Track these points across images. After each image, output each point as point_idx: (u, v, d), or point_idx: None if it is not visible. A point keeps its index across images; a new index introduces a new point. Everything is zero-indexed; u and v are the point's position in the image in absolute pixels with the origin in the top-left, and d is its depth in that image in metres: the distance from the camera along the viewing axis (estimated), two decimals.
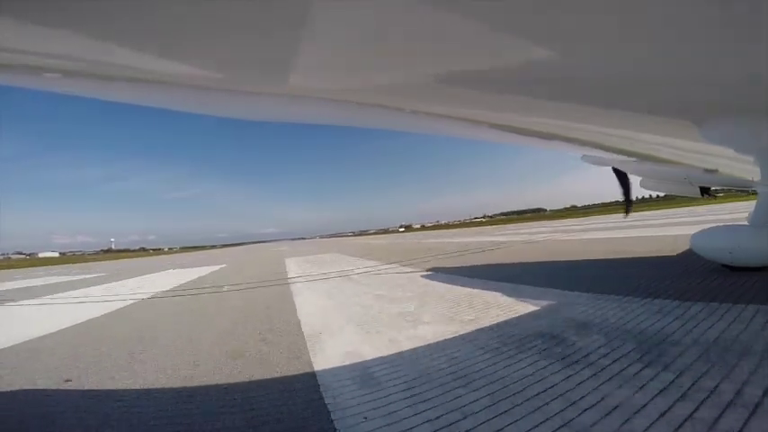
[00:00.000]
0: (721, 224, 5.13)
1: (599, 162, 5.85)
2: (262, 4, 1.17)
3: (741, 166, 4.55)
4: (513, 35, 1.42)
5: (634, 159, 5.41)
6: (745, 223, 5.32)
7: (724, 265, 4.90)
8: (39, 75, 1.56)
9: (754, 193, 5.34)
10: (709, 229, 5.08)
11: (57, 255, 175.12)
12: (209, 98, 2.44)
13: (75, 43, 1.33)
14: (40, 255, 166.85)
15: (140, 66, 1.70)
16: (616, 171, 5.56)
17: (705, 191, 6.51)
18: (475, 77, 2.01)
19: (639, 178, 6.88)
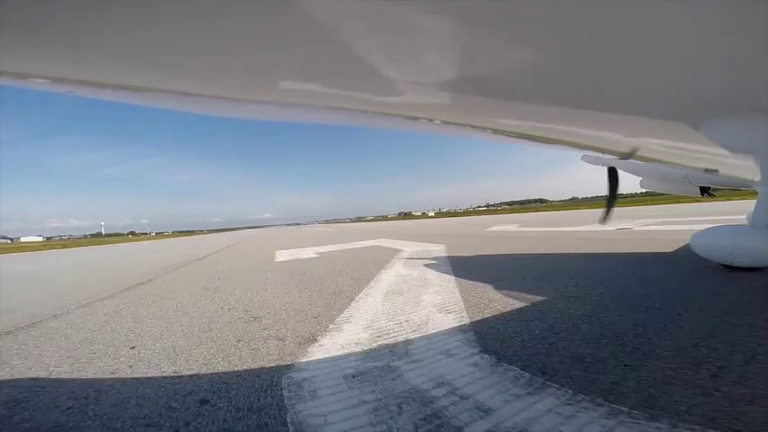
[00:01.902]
0: (721, 225, 5.09)
1: (599, 162, 5.78)
2: (254, 15, 1.16)
3: (741, 166, 4.51)
4: (509, 41, 1.39)
5: (634, 160, 5.33)
6: (745, 223, 5.30)
7: (724, 265, 4.89)
8: (26, 80, 1.55)
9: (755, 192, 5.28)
10: (708, 229, 5.04)
11: (40, 239, 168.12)
12: (201, 103, 2.43)
13: (78, 53, 1.32)
14: (23, 239, 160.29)
15: (136, 73, 1.69)
16: (610, 171, 5.47)
17: (705, 190, 6.45)
18: (472, 85, 1.99)
19: (639, 178, 6.83)
